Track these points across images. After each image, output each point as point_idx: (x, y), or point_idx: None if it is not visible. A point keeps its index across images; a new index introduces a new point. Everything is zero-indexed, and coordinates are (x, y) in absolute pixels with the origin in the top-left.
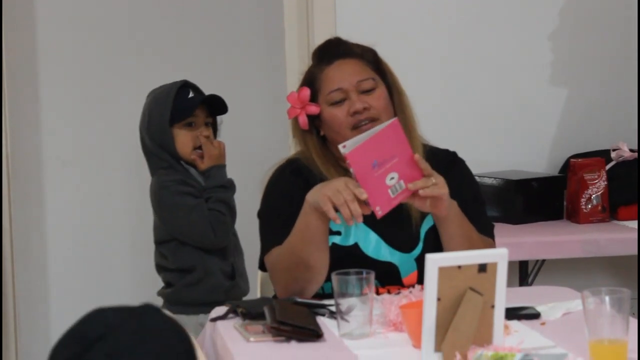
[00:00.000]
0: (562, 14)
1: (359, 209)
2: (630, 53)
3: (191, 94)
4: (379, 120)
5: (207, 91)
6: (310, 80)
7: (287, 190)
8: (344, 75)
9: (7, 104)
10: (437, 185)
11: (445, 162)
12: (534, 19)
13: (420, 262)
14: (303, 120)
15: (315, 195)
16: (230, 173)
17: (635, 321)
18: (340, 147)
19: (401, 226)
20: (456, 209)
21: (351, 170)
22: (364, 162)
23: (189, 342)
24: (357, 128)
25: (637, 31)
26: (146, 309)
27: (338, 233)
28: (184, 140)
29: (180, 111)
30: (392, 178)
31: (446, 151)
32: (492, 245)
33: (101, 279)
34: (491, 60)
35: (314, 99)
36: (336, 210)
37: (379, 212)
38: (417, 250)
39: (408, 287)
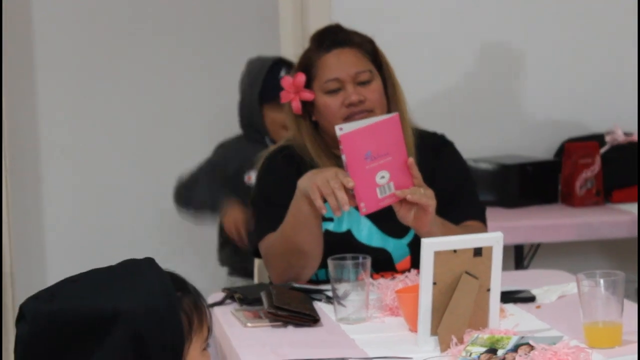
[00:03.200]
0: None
1: (345, 197)
2: (626, 37)
3: (283, 73)
4: (373, 112)
5: (201, 75)
6: (307, 65)
7: (279, 177)
8: (341, 65)
9: (5, 93)
10: (425, 195)
11: (433, 145)
12: (527, 1)
13: (412, 248)
14: (296, 106)
15: (306, 182)
16: None
17: (630, 303)
18: (336, 127)
19: (393, 212)
20: (438, 224)
21: (342, 156)
22: (357, 150)
23: (176, 300)
24: (349, 119)
25: (638, 22)
26: (142, 261)
27: (331, 220)
28: (273, 119)
29: (270, 90)
30: (383, 177)
31: (434, 134)
32: (484, 228)
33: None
34: (486, 44)
35: (308, 84)
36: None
37: (363, 210)
38: (410, 236)
39: (401, 272)
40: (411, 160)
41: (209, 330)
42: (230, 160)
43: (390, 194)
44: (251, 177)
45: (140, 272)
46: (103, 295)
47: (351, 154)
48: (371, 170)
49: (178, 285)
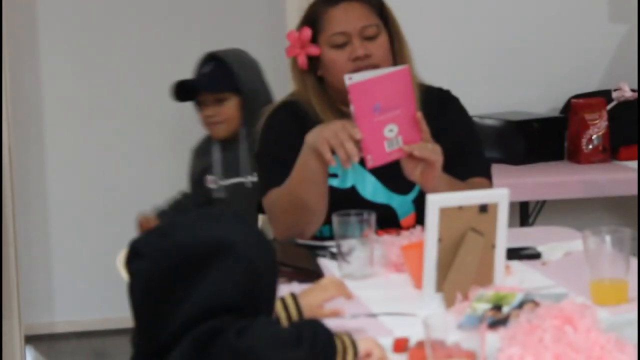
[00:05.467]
0: None
1: (354, 148)
2: None
3: (206, 69)
4: (379, 67)
5: (205, 29)
6: (313, 19)
7: (283, 133)
8: (348, 18)
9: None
10: (432, 151)
11: (439, 100)
12: None
13: (417, 204)
14: (302, 61)
15: (314, 137)
16: None
17: (636, 261)
18: (346, 77)
19: (398, 169)
20: (444, 180)
21: (351, 107)
22: (366, 101)
23: (264, 233)
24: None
25: (637, 36)
26: (220, 211)
27: (335, 176)
28: (201, 117)
29: (193, 88)
30: (391, 130)
31: (439, 89)
32: (489, 185)
33: (102, 230)
34: (490, 1)
35: (314, 39)
36: (333, 153)
37: (370, 162)
38: (414, 192)
39: (406, 229)
40: (419, 114)
41: None
42: (194, 165)
43: (398, 149)
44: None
45: (227, 215)
46: (209, 230)
47: (360, 104)
48: (379, 123)
49: (255, 223)
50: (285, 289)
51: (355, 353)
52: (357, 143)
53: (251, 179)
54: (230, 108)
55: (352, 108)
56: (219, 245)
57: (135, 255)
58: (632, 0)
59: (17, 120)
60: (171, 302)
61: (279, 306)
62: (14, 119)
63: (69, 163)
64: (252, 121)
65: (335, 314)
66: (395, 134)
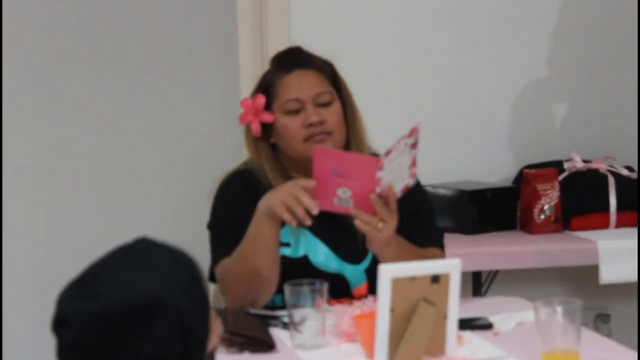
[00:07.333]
0: (512, 24)
1: (311, 201)
2: (583, 63)
3: None
4: (332, 135)
5: (153, 92)
6: (267, 86)
7: (236, 202)
8: (302, 85)
9: None
10: (378, 230)
11: None
12: (486, 30)
13: (369, 274)
14: (256, 128)
15: (269, 201)
16: (182, 180)
17: (587, 331)
18: (315, 145)
19: (350, 238)
20: (395, 244)
21: (313, 168)
22: (326, 164)
23: (192, 267)
24: (309, 140)
25: (637, 35)
26: (140, 242)
27: (287, 245)
28: None
29: None
30: (344, 192)
31: None
32: (442, 254)
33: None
34: (444, 71)
35: (268, 106)
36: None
37: (316, 207)
38: (366, 262)
39: (358, 298)
40: (374, 197)
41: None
42: None
43: (346, 207)
44: None
45: (151, 252)
46: (137, 285)
47: (319, 164)
48: (334, 183)
49: (182, 255)
50: (236, 359)
51: None
52: (311, 193)
53: None
54: None
55: (313, 166)
56: (146, 303)
57: (61, 322)
58: (572, 81)
59: None
60: None
61: None
62: None
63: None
64: None
65: None
66: (347, 197)
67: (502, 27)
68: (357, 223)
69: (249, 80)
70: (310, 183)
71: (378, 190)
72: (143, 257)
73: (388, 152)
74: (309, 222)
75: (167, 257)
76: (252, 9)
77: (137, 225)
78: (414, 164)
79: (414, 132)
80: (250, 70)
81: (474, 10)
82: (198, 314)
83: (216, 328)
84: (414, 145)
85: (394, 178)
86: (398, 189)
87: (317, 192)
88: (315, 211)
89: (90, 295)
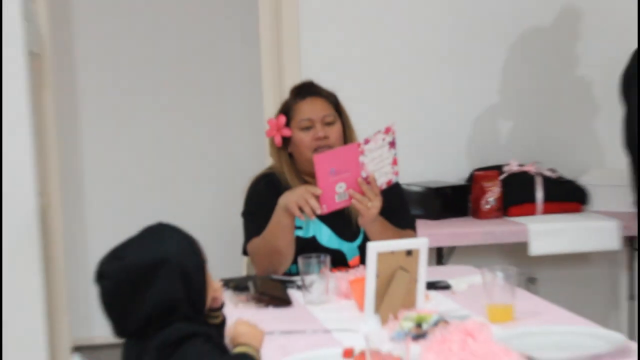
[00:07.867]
0: (472, 60)
1: (316, 203)
2: (523, 92)
3: None
4: (333, 147)
5: (205, 124)
6: (286, 109)
7: (262, 198)
8: (313, 109)
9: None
10: (367, 208)
11: None
12: (453, 65)
13: (361, 249)
14: (278, 140)
15: (285, 199)
16: (223, 180)
17: (520, 290)
18: (314, 154)
19: (347, 222)
20: (379, 222)
21: (316, 172)
22: (325, 167)
23: (193, 242)
24: (316, 150)
25: (637, 37)
26: (158, 224)
27: (300, 228)
28: None
29: None
30: (341, 187)
31: None
32: (414, 235)
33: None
34: (419, 99)
35: (287, 123)
36: (301, 210)
37: (324, 209)
38: (359, 240)
39: (353, 268)
40: (360, 179)
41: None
42: None
43: (346, 199)
44: None
45: (163, 230)
46: (150, 250)
47: (320, 169)
48: (333, 182)
49: (186, 234)
50: (263, 312)
51: None
52: (317, 198)
53: None
54: None
55: (316, 173)
56: (157, 261)
57: (100, 276)
58: (516, 101)
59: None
60: (129, 306)
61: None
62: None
63: (106, 171)
64: None
65: None
66: (343, 190)
67: (464, 63)
68: (353, 201)
69: (270, 105)
70: (317, 191)
71: (363, 174)
72: (158, 233)
73: (367, 141)
74: (313, 217)
75: (174, 234)
76: (271, 55)
77: (190, 214)
78: (395, 162)
79: (389, 130)
80: (271, 98)
81: (444, 49)
82: (197, 270)
83: (214, 288)
84: (392, 144)
85: (377, 169)
86: (382, 182)
87: (323, 197)
88: (319, 212)
89: (120, 257)
